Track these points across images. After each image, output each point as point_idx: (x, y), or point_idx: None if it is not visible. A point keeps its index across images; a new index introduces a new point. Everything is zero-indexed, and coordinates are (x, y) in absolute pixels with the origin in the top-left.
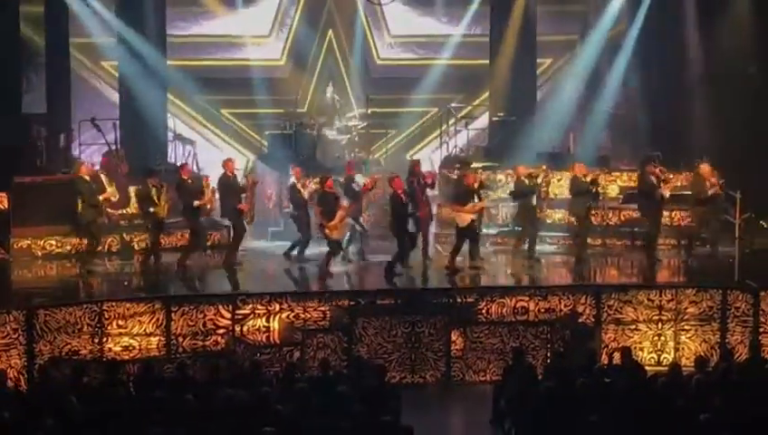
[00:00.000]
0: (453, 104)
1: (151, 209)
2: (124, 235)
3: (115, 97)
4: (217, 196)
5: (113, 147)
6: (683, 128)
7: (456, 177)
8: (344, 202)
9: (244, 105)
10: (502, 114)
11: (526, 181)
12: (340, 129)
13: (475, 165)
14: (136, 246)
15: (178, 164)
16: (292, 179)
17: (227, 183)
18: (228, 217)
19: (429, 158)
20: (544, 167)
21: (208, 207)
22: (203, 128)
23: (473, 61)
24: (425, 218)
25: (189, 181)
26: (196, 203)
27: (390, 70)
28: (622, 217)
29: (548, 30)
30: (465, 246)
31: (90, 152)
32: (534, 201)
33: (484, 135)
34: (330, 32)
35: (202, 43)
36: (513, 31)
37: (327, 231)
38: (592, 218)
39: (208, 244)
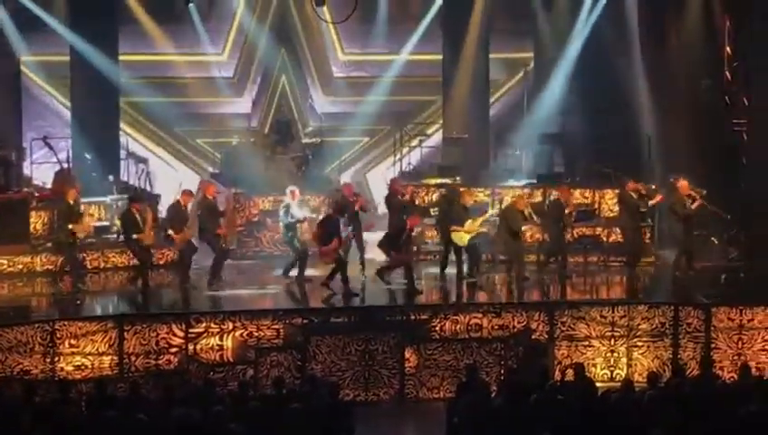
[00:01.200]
0: (407, 123)
1: (134, 236)
2: (75, 253)
3: (67, 115)
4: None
5: (65, 165)
6: (634, 144)
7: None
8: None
9: (197, 122)
10: (455, 132)
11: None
12: (294, 147)
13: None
14: (89, 265)
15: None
16: (288, 199)
17: (209, 206)
18: (207, 241)
19: (384, 175)
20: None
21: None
22: (156, 146)
23: (425, 78)
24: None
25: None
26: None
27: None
28: (575, 235)
29: (501, 48)
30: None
31: (42, 171)
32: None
33: (437, 152)
34: (282, 50)
35: (154, 62)
36: (467, 49)
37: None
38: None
39: (161, 262)
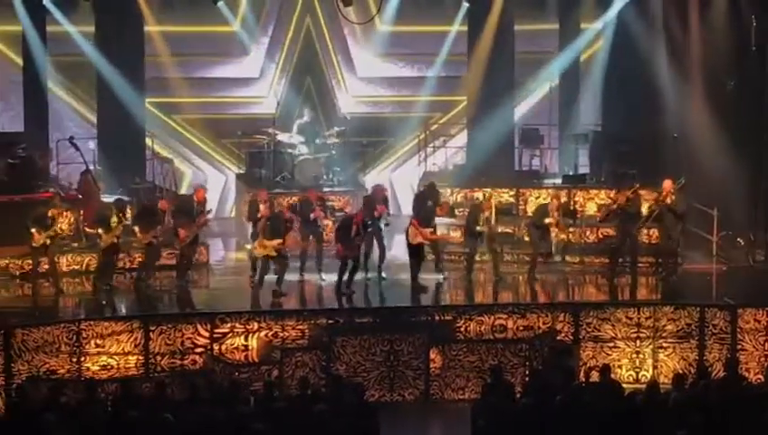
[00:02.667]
0: (431, 123)
1: (100, 231)
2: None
3: (93, 116)
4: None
5: (91, 166)
6: (659, 145)
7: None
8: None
9: (222, 123)
10: (479, 132)
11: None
12: (318, 147)
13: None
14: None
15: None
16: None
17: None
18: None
19: (409, 175)
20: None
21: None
22: (180, 146)
23: (451, 78)
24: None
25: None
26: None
27: (369, 89)
28: (600, 235)
29: (524, 47)
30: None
31: (68, 172)
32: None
33: (462, 153)
34: (313, 48)
35: (181, 61)
36: (489, 48)
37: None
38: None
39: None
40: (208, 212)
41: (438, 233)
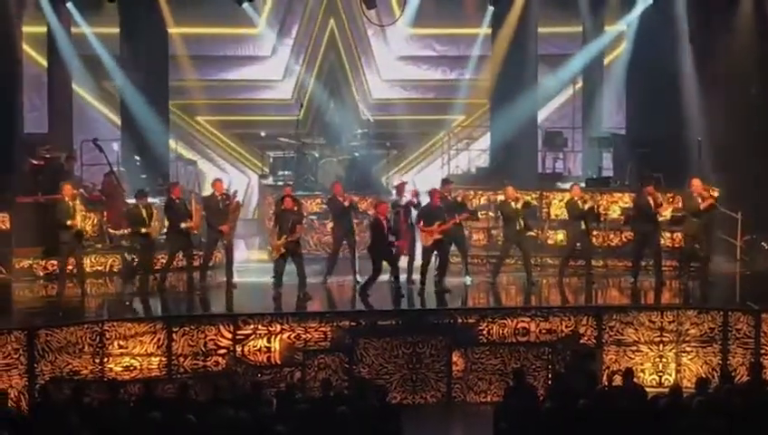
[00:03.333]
0: (454, 125)
1: (142, 230)
2: (126, 255)
3: (117, 118)
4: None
5: (114, 167)
6: (684, 149)
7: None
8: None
9: (245, 126)
10: (502, 135)
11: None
12: (342, 150)
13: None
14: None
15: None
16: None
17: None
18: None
19: (431, 179)
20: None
21: (195, 231)
22: (205, 148)
23: (474, 80)
24: (404, 248)
25: (177, 201)
26: (182, 225)
27: (393, 91)
28: (624, 239)
29: (547, 50)
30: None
31: (92, 173)
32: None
33: (484, 155)
34: (332, 52)
35: (205, 62)
36: (512, 49)
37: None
38: (593, 240)
39: (210, 264)
40: (234, 194)
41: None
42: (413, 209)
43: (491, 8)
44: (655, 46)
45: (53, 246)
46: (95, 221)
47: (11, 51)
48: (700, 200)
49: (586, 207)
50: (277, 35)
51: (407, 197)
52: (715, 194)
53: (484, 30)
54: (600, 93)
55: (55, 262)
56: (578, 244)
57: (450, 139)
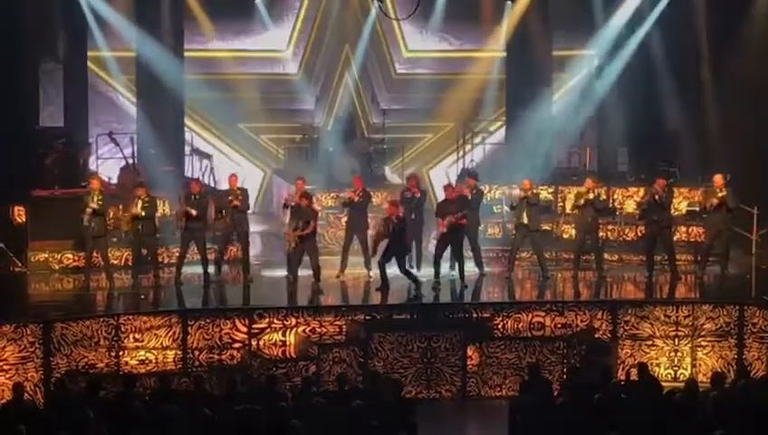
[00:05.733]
0: (470, 120)
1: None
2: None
3: (132, 111)
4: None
5: (130, 161)
6: (702, 143)
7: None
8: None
9: (260, 119)
10: (517, 129)
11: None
12: (357, 143)
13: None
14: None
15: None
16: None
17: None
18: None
19: (446, 172)
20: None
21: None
22: (219, 142)
23: (489, 75)
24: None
25: (196, 197)
26: (189, 213)
27: (407, 85)
28: (639, 233)
29: (563, 45)
30: None
31: (107, 166)
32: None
33: (500, 149)
34: (346, 46)
35: (219, 58)
36: (528, 44)
37: None
38: (600, 233)
39: (225, 258)
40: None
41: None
42: (417, 203)
43: (509, 3)
44: (672, 39)
45: (78, 238)
46: (111, 215)
47: (27, 45)
48: (714, 200)
49: (590, 196)
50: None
51: (414, 191)
52: (721, 194)
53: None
54: (615, 87)
55: (70, 255)
56: (587, 237)
57: (466, 133)
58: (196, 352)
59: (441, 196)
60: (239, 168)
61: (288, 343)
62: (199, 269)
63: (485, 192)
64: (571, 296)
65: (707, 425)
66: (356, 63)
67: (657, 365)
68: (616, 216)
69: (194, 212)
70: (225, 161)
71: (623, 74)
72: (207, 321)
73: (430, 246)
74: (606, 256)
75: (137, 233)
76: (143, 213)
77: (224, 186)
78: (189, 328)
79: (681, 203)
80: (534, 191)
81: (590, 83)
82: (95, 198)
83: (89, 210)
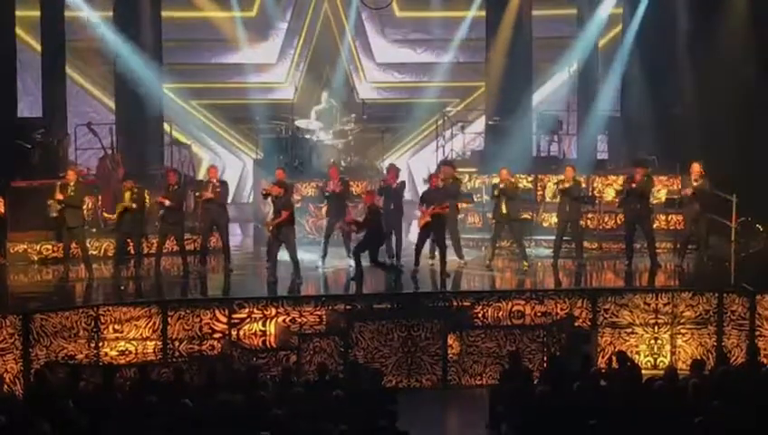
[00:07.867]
0: (448, 108)
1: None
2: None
3: (111, 102)
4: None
5: (109, 151)
6: (679, 132)
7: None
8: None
9: (238, 110)
10: (497, 118)
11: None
12: (336, 133)
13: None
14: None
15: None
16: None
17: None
18: None
19: (427, 167)
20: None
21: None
22: (198, 132)
23: (469, 63)
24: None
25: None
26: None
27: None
28: (618, 221)
29: (542, 32)
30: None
31: (86, 157)
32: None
33: (480, 139)
34: (328, 37)
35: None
36: (508, 34)
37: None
38: (588, 223)
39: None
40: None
41: None
42: (394, 192)
43: None
44: (650, 28)
45: (58, 229)
46: (90, 205)
47: (5, 34)
48: (688, 190)
49: (567, 184)
50: (271, 20)
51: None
52: (696, 184)
53: (476, 12)
54: (595, 76)
55: (50, 246)
56: (568, 225)
57: (445, 122)
58: (177, 343)
59: (420, 186)
60: (217, 158)
61: (268, 332)
62: (179, 260)
63: (464, 181)
64: (551, 285)
65: (687, 412)
66: (336, 53)
67: (637, 353)
68: (595, 204)
69: (167, 202)
70: (204, 151)
71: (602, 63)
72: (187, 311)
73: (410, 236)
74: (585, 244)
75: (121, 224)
76: (133, 205)
77: (201, 176)
78: (169, 319)
79: (660, 191)
80: (512, 181)
81: (570, 71)
82: (68, 190)
83: (50, 202)
